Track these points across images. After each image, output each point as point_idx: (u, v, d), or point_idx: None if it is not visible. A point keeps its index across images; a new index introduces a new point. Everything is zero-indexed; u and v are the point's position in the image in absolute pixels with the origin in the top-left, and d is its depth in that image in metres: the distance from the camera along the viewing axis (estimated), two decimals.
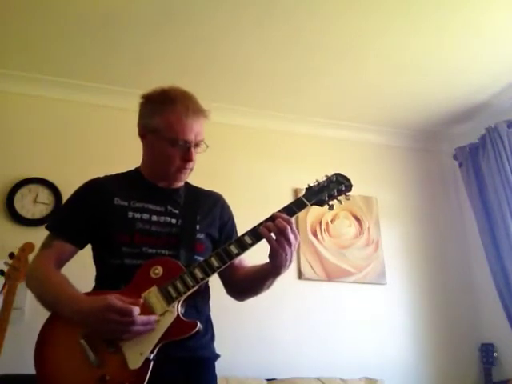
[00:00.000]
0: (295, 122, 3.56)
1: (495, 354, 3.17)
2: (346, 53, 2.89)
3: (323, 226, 3.37)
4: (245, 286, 1.56)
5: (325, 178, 1.52)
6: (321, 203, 1.50)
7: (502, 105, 3.36)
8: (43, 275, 1.41)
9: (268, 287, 1.50)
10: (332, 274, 3.28)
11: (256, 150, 3.45)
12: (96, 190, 1.52)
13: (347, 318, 3.21)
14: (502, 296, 3.10)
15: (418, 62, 2.98)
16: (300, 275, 3.21)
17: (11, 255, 2.40)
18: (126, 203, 1.47)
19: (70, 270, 1.47)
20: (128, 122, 3.03)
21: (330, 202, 1.52)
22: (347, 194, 1.53)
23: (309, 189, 1.51)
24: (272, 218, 1.37)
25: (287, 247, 1.34)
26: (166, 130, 1.45)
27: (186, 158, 1.46)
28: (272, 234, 1.34)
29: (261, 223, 1.39)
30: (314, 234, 3.33)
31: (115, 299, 1.23)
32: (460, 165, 3.56)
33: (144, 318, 1.25)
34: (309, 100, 3.38)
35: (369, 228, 3.47)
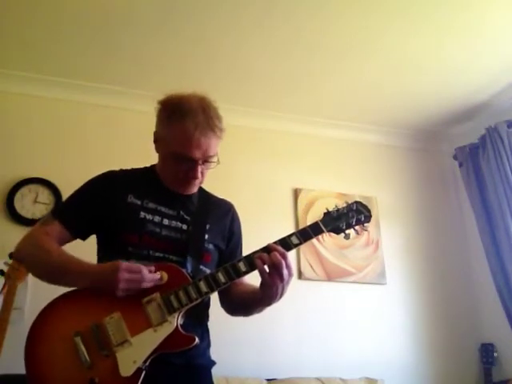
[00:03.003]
0: (295, 122, 3.56)
1: (495, 354, 3.16)
2: (346, 53, 2.89)
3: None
4: (237, 304, 1.53)
5: (344, 205, 1.48)
6: (337, 231, 1.46)
7: (502, 105, 3.36)
8: (44, 244, 1.37)
9: (259, 312, 1.47)
10: (332, 274, 3.28)
11: (256, 150, 3.45)
12: (111, 183, 1.48)
13: (347, 318, 3.21)
14: (502, 296, 3.10)
15: (418, 62, 2.98)
16: (300, 275, 3.21)
17: (11, 255, 2.40)
18: (139, 202, 1.44)
19: None
20: (128, 121, 3.06)
21: (347, 231, 1.47)
22: (365, 224, 1.49)
23: (327, 214, 1.46)
24: (267, 250, 1.32)
25: (279, 282, 1.30)
26: (173, 143, 1.40)
27: (190, 175, 1.42)
28: (265, 267, 1.30)
29: (264, 248, 1.35)
30: None
31: (124, 262, 1.26)
32: (460, 165, 3.56)
33: (151, 275, 1.27)
34: (309, 100, 3.38)
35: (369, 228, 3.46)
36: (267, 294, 1.33)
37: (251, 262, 1.32)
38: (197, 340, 1.27)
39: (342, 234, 1.47)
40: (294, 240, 1.38)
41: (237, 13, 2.57)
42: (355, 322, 3.21)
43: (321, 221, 1.44)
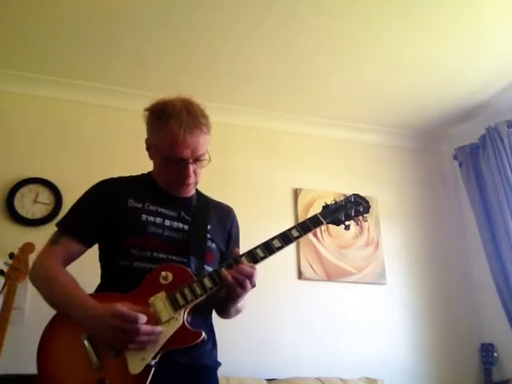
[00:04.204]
0: (295, 122, 3.56)
1: (495, 354, 3.16)
2: (345, 53, 2.89)
3: (323, 226, 3.36)
4: (219, 306, 1.52)
5: (342, 198, 1.53)
6: (337, 223, 1.51)
7: (502, 105, 3.35)
8: (50, 274, 1.38)
9: (237, 313, 1.51)
10: (332, 274, 3.28)
11: (256, 149, 3.45)
12: (110, 190, 1.50)
13: (347, 318, 3.21)
14: (502, 296, 3.10)
15: (418, 62, 2.98)
16: (300, 275, 3.21)
17: (11, 255, 2.40)
18: (140, 205, 1.46)
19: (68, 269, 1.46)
20: (128, 121, 3.06)
21: (347, 223, 1.51)
22: (365, 215, 1.53)
23: (326, 207, 1.51)
24: (267, 246, 1.38)
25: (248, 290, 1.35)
26: (162, 147, 1.43)
27: (183, 175, 1.44)
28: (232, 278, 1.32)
29: (272, 239, 1.40)
30: (314, 234, 3.32)
31: (122, 306, 1.23)
32: (460, 165, 3.56)
33: (148, 327, 1.23)
34: (309, 100, 3.38)
35: (369, 228, 3.47)
36: (236, 298, 1.37)
37: (253, 257, 1.36)
38: (203, 335, 1.28)
39: (342, 226, 1.51)
40: (295, 233, 1.42)
41: (237, 13, 2.57)
42: (355, 322, 3.21)
43: (320, 213, 1.49)
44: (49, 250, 1.44)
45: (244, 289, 1.32)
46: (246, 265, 1.33)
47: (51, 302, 1.36)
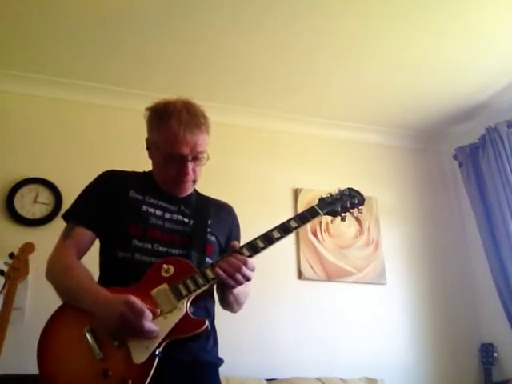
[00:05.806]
0: (295, 122, 3.56)
1: (495, 354, 3.16)
2: (345, 53, 2.90)
3: (323, 226, 3.37)
4: (219, 295, 1.53)
5: (337, 191, 1.57)
6: (333, 214, 1.55)
7: (502, 105, 3.35)
8: (64, 266, 1.39)
9: (237, 303, 1.51)
10: (332, 274, 3.28)
11: (256, 149, 3.45)
12: (112, 179, 1.53)
13: (347, 317, 3.21)
14: (502, 296, 3.10)
15: (418, 62, 2.98)
16: (300, 275, 3.21)
17: (11, 255, 2.41)
18: (140, 197, 1.49)
19: None
20: (128, 121, 3.06)
21: (343, 214, 1.56)
22: (360, 207, 1.58)
23: (321, 200, 1.55)
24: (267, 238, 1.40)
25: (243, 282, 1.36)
26: (162, 145, 1.46)
27: (182, 172, 1.46)
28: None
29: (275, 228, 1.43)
30: (314, 234, 3.33)
31: (136, 299, 1.24)
32: (460, 165, 3.56)
33: (152, 326, 1.24)
34: (309, 100, 3.38)
35: (369, 228, 3.47)
36: (231, 289, 1.39)
37: (254, 248, 1.38)
38: (207, 323, 1.29)
39: (339, 218, 1.56)
40: (293, 224, 1.46)
41: (237, 13, 2.57)
42: (355, 322, 3.21)
43: (316, 205, 1.53)
44: (62, 244, 1.45)
45: (235, 281, 1.33)
46: (235, 257, 1.35)
47: (64, 293, 1.36)
